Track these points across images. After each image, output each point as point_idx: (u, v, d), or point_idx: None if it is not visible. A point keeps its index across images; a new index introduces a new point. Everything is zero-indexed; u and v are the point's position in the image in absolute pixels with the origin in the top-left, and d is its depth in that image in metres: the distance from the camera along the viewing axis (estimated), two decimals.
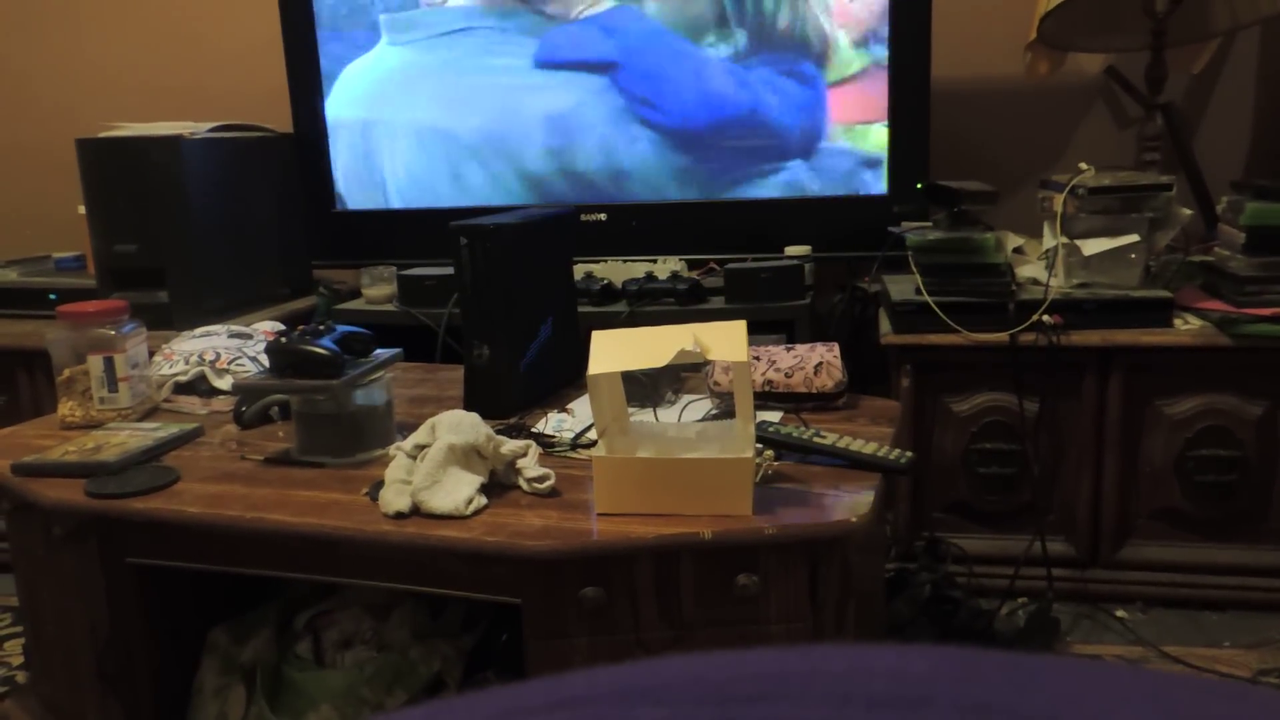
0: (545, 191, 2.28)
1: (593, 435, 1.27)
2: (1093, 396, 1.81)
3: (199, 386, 1.56)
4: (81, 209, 2.18)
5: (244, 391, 1.46)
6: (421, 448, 1.15)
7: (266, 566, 1.19)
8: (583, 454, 1.28)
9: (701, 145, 2.19)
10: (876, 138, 2.12)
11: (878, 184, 2.13)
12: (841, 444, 1.20)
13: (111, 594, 1.26)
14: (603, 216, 2.24)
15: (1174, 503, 1.83)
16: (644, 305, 2.04)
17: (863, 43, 2.09)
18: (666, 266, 2.14)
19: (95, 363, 1.46)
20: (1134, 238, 1.79)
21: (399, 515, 1.10)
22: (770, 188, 2.18)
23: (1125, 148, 2.29)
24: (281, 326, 1.81)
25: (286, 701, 1.30)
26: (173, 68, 2.80)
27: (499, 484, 1.17)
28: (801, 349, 1.46)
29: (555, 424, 1.39)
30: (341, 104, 2.35)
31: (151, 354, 1.57)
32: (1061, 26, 2.09)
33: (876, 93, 2.10)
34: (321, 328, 1.30)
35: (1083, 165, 1.86)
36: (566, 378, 1.58)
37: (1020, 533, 1.84)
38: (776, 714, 0.19)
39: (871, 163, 2.13)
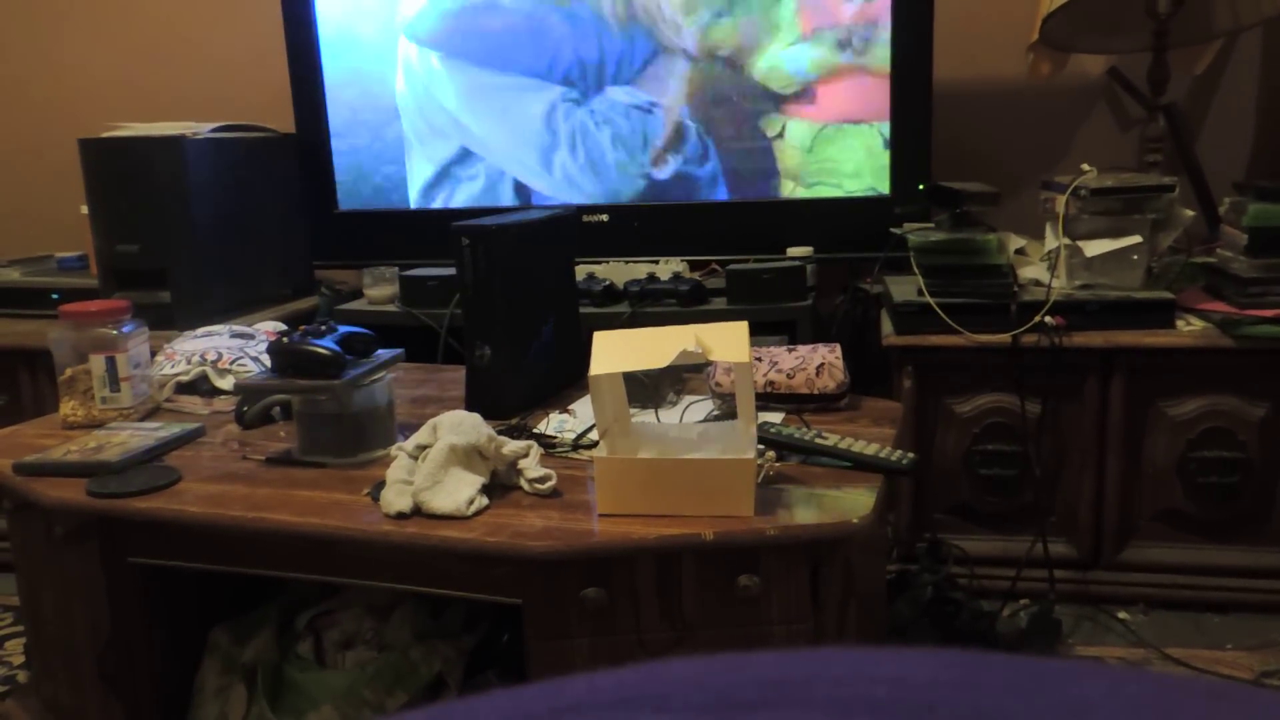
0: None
1: (594, 436, 1.27)
2: (1095, 398, 1.81)
3: (201, 386, 1.56)
4: (84, 209, 2.18)
5: (246, 391, 1.46)
6: (423, 448, 1.15)
7: (268, 566, 1.19)
8: (584, 454, 1.28)
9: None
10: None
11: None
12: (843, 445, 1.20)
13: (112, 594, 1.27)
14: (605, 217, 2.24)
15: (1176, 504, 1.82)
16: (646, 306, 2.04)
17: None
18: (668, 267, 2.14)
19: (97, 362, 1.46)
20: (1136, 239, 1.79)
21: (400, 515, 1.10)
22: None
23: (1127, 149, 2.28)
24: (283, 326, 1.81)
25: (288, 702, 1.30)
26: (175, 68, 2.80)
27: (500, 484, 1.17)
28: (803, 350, 1.46)
29: (557, 424, 1.39)
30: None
31: (153, 354, 1.57)
32: (1063, 28, 2.09)
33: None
34: (323, 328, 1.30)
35: (1085, 166, 1.86)
36: (568, 378, 1.58)
37: (1022, 534, 1.84)
38: None
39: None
